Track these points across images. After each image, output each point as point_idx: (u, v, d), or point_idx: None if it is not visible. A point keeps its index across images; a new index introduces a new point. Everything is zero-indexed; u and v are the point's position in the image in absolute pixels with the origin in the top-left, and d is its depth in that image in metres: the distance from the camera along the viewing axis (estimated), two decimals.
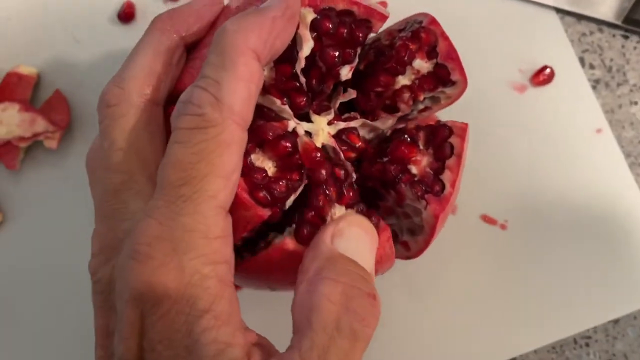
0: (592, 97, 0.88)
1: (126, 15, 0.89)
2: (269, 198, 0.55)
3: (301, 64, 0.59)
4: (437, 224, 0.63)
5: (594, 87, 0.89)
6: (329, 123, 0.63)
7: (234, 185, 0.50)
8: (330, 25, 0.59)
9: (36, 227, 0.86)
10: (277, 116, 0.59)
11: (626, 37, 0.92)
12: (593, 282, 0.83)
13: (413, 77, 0.66)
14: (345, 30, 0.60)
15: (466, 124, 0.65)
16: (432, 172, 0.64)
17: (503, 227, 0.84)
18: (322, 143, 0.62)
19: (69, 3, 0.91)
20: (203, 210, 0.47)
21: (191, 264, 0.46)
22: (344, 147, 0.64)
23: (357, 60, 0.62)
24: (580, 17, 0.92)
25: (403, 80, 0.66)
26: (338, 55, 0.60)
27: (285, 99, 0.59)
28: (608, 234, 0.84)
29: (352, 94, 0.65)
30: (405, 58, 0.65)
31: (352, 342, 0.47)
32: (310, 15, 0.58)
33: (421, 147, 0.65)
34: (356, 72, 0.65)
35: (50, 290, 0.83)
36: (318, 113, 0.63)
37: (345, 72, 0.61)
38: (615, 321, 0.83)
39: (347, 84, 0.65)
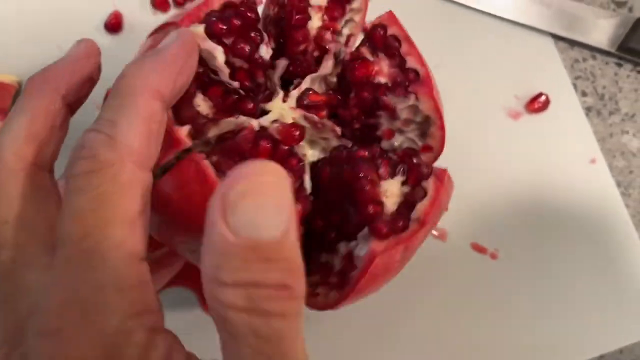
0: (587, 127, 0.87)
1: (113, 26, 0.87)
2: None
3: (226, 73, 0.57)
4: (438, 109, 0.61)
5: (585, 115, 0.88)
6: (284, 100, 0.61)
7: (142, 231, 0.45)
8: (222, 25, 0.56)
9: None
10: (240, 129, 0.57)
11: (619, 65, 0.90)
12: (583, 317, 0.81)
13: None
14: (237, 21, 0.57)
15: None
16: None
17: (493, 256, 0.82)
18: (292, 119, 0.60)
19: (54, 12, 0.88)
20: (112, 262, 0.42)
21: (110, 324, 0.41)
22: (312, 111, 0.62)
23: (265, 36, 0.60)
24: (573, 44, 0.91)
25: (315, 22, 0.65)
26: (248, 46, 0.57)
27: (236, 114, 0.57)
28: (600, 268, 0.83)
29: (282, 62, 0.63)
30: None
31: (276, 346, 0.41)
32: (200, 28, 0.55)
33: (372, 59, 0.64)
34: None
35: None
36: (270, 100, 0.61)
37: (264, 52, 0.59)
38: (601, 357, 0.81)
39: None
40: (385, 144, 0.64)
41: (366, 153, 0.58)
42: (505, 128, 0.86)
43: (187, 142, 0.52)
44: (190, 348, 0.69)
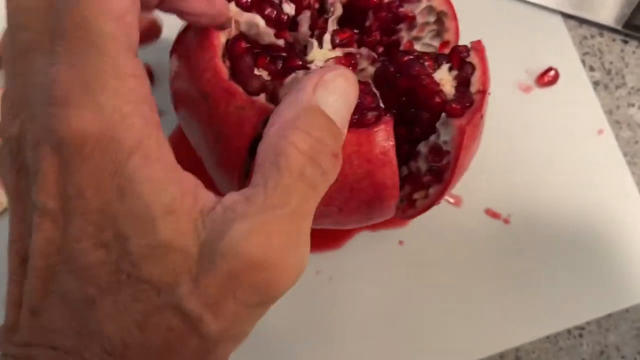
0: (595, 99, 0.90)
1: None
2: None
3: (271, 34, 0.60)
4: (462, 143, 0.62)
5: (593, 89, 0.91)
6: (320, 47, 0.65)
7: (134, 28, 0.47)
8: None
9: None
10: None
11: (625, 42, 0.94)
12: (590, 278, 0.84)
13: None
14: None
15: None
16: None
17: (506, 221, 0.85)
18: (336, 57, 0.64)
19: None
20: (108, 50, 0.44)
21: (109, 103, 0.43)
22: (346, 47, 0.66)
23: None
24: (582, 21, 0.94)
25: None
26: (274, 10, 0.61)
27: (292, 72, 0.60)
28: (606, 232, 0.85)
29: (305, 14, 0.65)
30: None
31: (311, 191, 0.47)
32: (232, 5, 0.58)
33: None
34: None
35: None
36: (306, 53, 0.65)
37: (288, 9, 0.63)
38: (609, 314, 0.84)
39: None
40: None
41: (410, 57, 0.63)
42: (516, 101, 0.89)
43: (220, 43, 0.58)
44: None
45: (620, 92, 0.92)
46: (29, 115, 0.45)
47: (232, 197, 0.47)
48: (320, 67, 0.54)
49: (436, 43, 0.71)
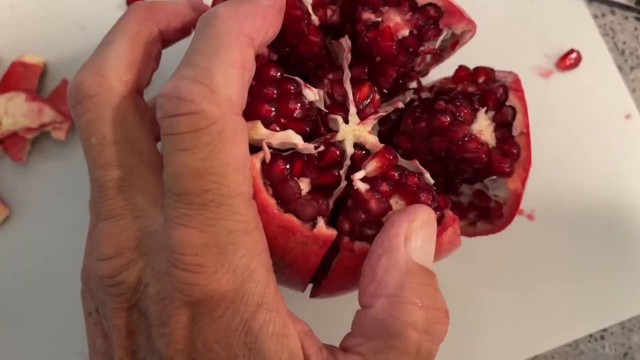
0: (621, 82, 0.86)
1: (134, 2, 0.85)
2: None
3: (312, 148, 0.56)
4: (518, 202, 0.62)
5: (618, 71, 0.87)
6: (346, 122, 0.60)
7: (249, 172, 0.48)
8: (267, 107, 0.54)
9: (44, 222, 0.81)
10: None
11: (639, 19, 0.89)
12: (617, 276, 0.81)
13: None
14: (273, 90, 0.55)
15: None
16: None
17: (530, 217, 0.81)
18: (367, 141, 0.60)
19: None
20: (237, 209, 0.45)
21: (241, 263, 0.46)
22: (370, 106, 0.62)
23: (299, 81, 0.58)
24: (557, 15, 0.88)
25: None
26: (297, 104, 0.56)
27: (329, 172, 0.58)
28: (637, 222, 0.82)
29: (320, 91, 0.60)
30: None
31: None
32: (259, 126, 0.54)
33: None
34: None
35: (58, 286, 0.79)
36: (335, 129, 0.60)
37: (311, 95, 0.58)
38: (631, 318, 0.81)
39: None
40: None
41: (446, 117, 0.59)
42: (537, 87, 0.84)
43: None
44: None
45: (636, 74, 0.88)
46: (152, 268, 0.47)
47: None
48: (399, 212, 0.52)
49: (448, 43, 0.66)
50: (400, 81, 0.65)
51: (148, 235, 0.48)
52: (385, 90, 0.63)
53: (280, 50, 0.58)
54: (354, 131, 0.59)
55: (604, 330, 0.80)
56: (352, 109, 0.60)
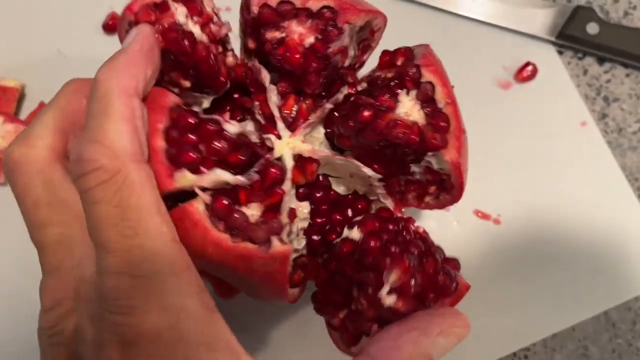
0: (575, 92, 0.88)
1: (111, 26, 0.86)
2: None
3: (245, 180, 0.58)
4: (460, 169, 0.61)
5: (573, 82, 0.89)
6: (279, 138, 0.62)
7: (168, 217, 0.49)
8: (191, 154, 0.56)
9: (21, 246, 0.80)
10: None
11: (560, 53, 0.92)
12: (588, 273, 0.82)
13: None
14: (193, 136, 0.56)
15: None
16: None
17: (497, 221, 0.83)
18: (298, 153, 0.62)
19: (53, 15, 0.87)
20: (160, 251, 0.47)
21: (173, 302, 0.46)
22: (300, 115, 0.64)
23: (217, 117, 0.59)
24: (513, 32, 0.91)
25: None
26: (219, 143, 0.57)
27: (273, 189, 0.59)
28: (597, 224, 0.84)
29: (248, 124, 0.64)
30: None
31: None
32: (199, 194, 0.55)
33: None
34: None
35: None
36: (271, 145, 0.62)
37: (232, 128, 0.59)
38: (554, 334, 0.82)
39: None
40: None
41: (368, 111, 0.59)
42: (496, 98, 0.87)
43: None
44: None
45: None
46: (87, 315, 0.48)
47: None
48: (446, 311, 0.55)
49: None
50: (337, 80, 0.66)
51: (84, 284, 0.49)
52: (323, 93, 0.65)
53: (188, 77, 0.59)
54: (288, 144, 0.61)
55: (527, 350, 0.82)
56: (280, 124, 0.62)
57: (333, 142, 0.64)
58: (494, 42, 0.89)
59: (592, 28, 0.88)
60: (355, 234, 0.59)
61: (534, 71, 0.88)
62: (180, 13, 0.57)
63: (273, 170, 0.58)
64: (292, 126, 0.62)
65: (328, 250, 0.62)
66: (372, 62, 0.68)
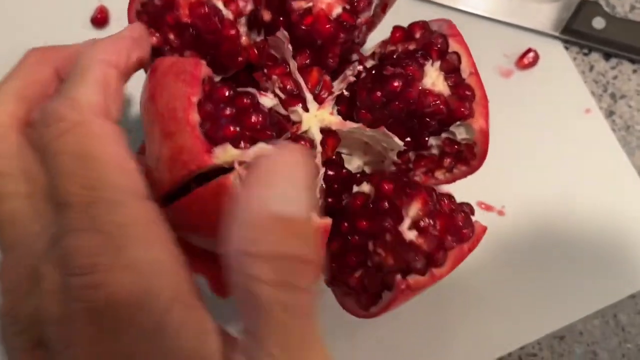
0: (579, 78, 0.86)
1: (100, 20, 0.84)
2: None
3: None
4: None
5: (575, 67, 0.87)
6: (306, 110, 0.60)
7: (136, 173, 0.46)
8: (232, 127, 0.53)
9: None
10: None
11: (566, 48, 0.89)
12: (593, 265, 0.79)
13: None
14: (230, 109, 0.54)
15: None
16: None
17: (501, 213, 0.80)
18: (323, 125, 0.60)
19: (40, 9, 0.86)
20: (128, 204, 0.43)
21: (144, 257, 0.42)
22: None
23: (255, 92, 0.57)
24: (517, 28, 0.88)
25: None
26: (258, 117, 0.55)
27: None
28: (603, 212, 0.81)
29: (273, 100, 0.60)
30: None
31: (304, 317, 0.41)
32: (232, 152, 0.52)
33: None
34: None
35: None
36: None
37: (267, 101, 0.58)
38: (561, 337, 0.79)
39: None
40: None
41: (398, 81, 0.58)
42: (498, 86, 0.84)
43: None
44: None
45: None
46: (49, 291, 0.43)
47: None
48: (258, 159, 0.46)
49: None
50: (344, 57, 0.64)
51: (43, 255, 0.44)
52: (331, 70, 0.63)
53: (205, 55, 0.58)
54: (316, 117, 0.59)
55: (534, 355, 0.78)
56: (309, 96, 0.60)
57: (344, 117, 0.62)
58: (497, 35, 0.87)
59: (598, 23, 0.86)
60: (365, 187, 0.58)
61: (536, 58, 0.86)
62: None
63: (304, 143, 0.57)
64: (318, 98, 0.60)
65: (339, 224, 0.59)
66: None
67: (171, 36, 0.58)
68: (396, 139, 0.59)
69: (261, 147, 0.52)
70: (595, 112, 0.85)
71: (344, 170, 0.63)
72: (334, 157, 0.62)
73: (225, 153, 0.50)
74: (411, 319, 0.76)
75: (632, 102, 0.87)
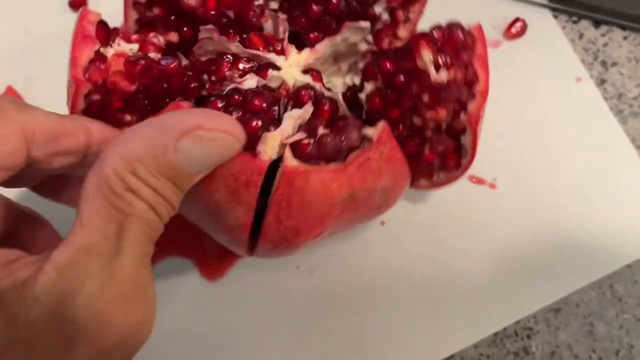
0: (569, 47, 0.84)
1: (77, 3, 0.82)
2: None
3: None
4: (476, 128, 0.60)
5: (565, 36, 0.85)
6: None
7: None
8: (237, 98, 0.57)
9: None
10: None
11: (555, 17, 0.87)
12: (593, 233, 0.78)
13: None
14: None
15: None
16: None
17: (492, 186, 0.79)
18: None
19: None
20: None
21: None
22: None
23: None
24: None
25: None
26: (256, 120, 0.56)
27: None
28: (596, 178, 0.79)
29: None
30: None
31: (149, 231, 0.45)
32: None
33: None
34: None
35: None
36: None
37: (250, 82, 0.59)
38: (557, 310, 0.77)
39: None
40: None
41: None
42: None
43: None
44: (189, 315, 0.65)
45: None
46: None
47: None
48: (201, 111, 0.51)
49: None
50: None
51: None
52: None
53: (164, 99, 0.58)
54: (291, 66, 0.61)
55: (530, 329, 0.77)
56: (272, 56, 0.61)
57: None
58: (484, 5, 0.86)
59: None
60: (369, 86, 0.62)
61: (524, 27, 0.84)
62: (123, 48, 0.57)
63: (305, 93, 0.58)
64: (281, 52, 0.62)
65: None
66: None
67: (127, 117, 0.57)
68: (361, 23, 0.62)
69: (290, 115, 0.55)
70: (586, 81, 0.83)
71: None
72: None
73: (268, 142, 0.53)
74: (403, 293, 0.75)
75: (624, 69, 0.85)
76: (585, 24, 0.87)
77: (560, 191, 0.79)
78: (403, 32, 0.66)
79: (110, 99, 0.55)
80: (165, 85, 0.57)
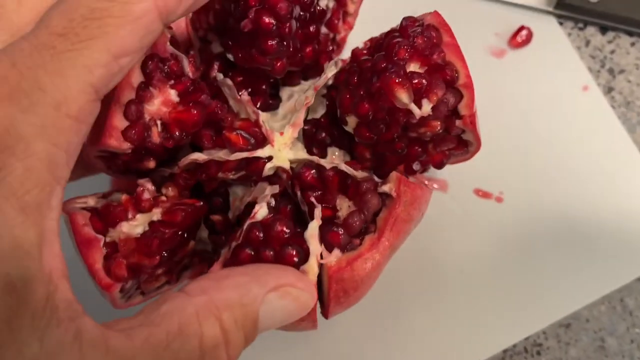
0: (575, 54, 0.82)
1: None
2: None
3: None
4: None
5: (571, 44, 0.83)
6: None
7: (119, 72, 0.40)
8: None
9: None
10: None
11: (560, 24, 0.85)
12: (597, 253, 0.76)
13: None
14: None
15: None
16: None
17: (499, 199, 0.77)
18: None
19: None
20: (68, 76, 0.38)
21: (23, 127, 0.37)
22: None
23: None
24: (510, 5, 0.85)
25: None
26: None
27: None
28: (602, 186, 0.78)
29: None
30: None
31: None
32: None
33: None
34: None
35: None
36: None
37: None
38: (567, 325, 0.75)
39: None
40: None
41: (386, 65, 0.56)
42: (491, 67, 0.81)
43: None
44: None
45: None
46: None
47: None
48: (290, 269, 0.50)
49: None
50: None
51: None
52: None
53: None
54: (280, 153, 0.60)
55: (540, 345, 0.75)
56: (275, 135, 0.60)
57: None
58: (487, 13, 0.83)
59: None
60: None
61: (529, 35, 0.82)
62: (126, 230, 0.55)
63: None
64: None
65: None
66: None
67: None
68: (327, 73, 0.60)
69: (313, 232, 0.54)
70: (593, 89, 0.81)
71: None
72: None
73: (309, 272, 0.52)
74: (412, 311, 0.74)
75: (632, 76, 0.83)
76: (591, 30, 0.85)
77: (568, 203, 0.77)
78: (352, 7, 0.65)
79: (140, 275, 0.55)
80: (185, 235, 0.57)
